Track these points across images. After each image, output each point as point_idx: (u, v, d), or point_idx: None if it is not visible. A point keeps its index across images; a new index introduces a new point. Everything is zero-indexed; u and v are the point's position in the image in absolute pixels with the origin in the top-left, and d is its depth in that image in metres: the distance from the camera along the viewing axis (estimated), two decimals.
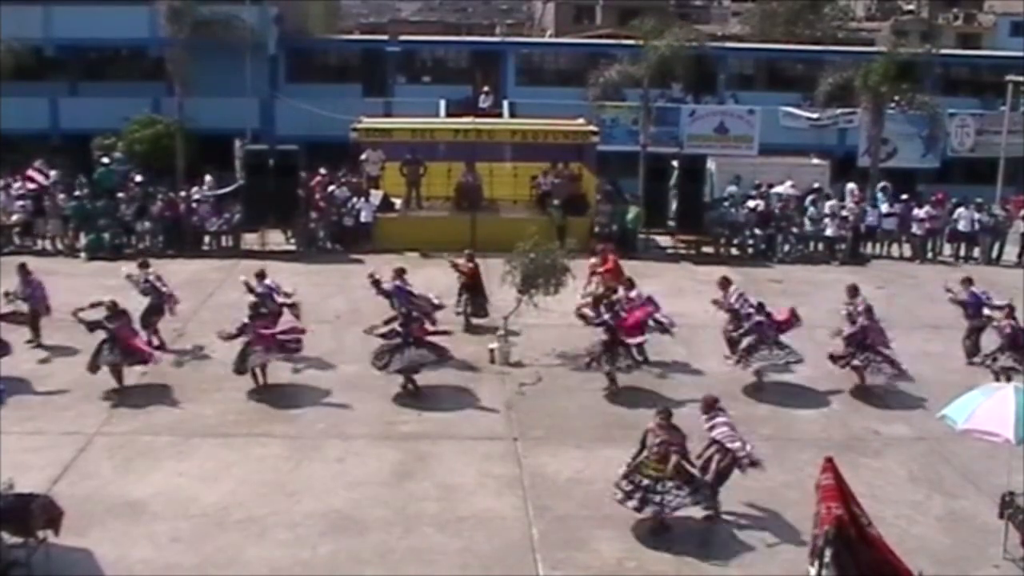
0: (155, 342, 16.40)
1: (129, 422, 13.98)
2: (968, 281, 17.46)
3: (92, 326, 14.88)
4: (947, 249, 26.27)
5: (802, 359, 15.69)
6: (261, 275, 16.63)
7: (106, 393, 14.87)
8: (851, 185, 28.69)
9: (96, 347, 14.88)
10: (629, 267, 20.30)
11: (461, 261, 18.45)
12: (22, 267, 17.09)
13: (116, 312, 14.94)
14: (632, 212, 25.25)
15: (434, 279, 18.66)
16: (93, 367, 14.83)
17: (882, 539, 9.04)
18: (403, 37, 38.97)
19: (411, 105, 32.23)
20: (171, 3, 29.12)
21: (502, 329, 17.13)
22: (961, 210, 26.06)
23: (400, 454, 13.11)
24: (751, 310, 15.87)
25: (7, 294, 16.46)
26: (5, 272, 17.87)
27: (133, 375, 15.37)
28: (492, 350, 16.71)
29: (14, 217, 24.08)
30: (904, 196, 27.21)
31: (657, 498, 10.88)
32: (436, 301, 16.39)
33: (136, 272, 16.84)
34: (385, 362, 15.02)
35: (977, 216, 25.92)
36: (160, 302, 16.74)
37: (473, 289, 18.44)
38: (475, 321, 18.36)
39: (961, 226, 25.86)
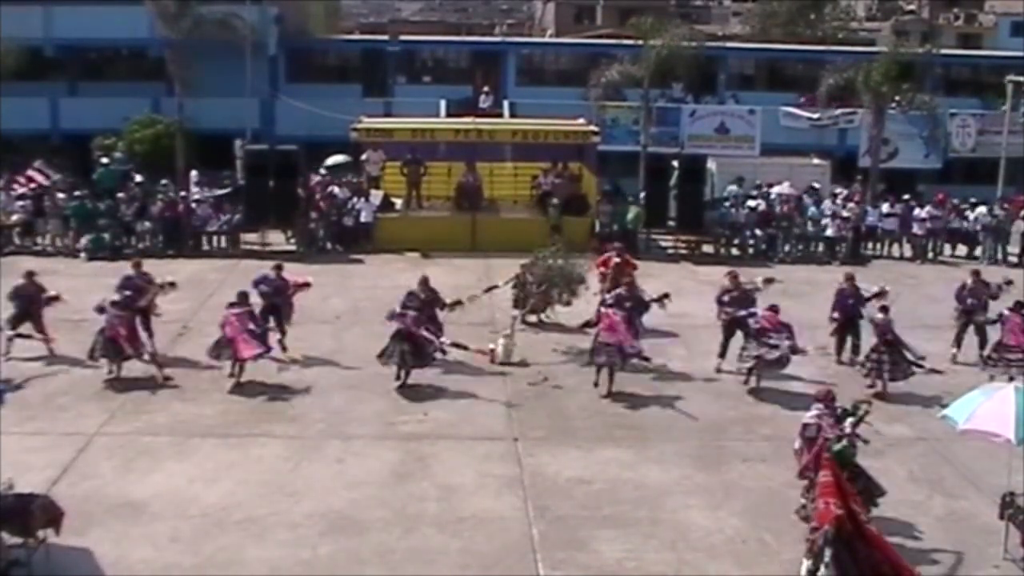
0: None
1: (129, 422, 13.97)
2: None
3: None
4: (947, 249, 26.31)
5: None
6: (279, 267, 16.97)
7: (106, 393, 14.88)
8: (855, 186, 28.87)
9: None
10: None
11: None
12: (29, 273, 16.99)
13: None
14: (632, 212, 25.25)
15: (434, 279, 18.61)
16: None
17: (881, 536, 9.05)
18: (403, 37, 38.94)
19: (411, 105, 32.24)
20: (166, 3, 29.14)
21: (508, 328, 17.14)
22: (981, 208, 26.17)
23: (400, 454, 13.09)
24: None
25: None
26: (5, 272, 17.87)
27: (135, 374, 15.43)
28: (492, 350, 16.71)
29: (14, 217, 24.10)
30: (905, 196, 27.24)
31: None
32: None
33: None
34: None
35: (972, 216, 26.03)
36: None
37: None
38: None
39: (967, 225, 25.95)
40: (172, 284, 16.93)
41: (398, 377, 15.36)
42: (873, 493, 11.05)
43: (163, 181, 26.27)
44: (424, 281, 16.50)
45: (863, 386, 15.79)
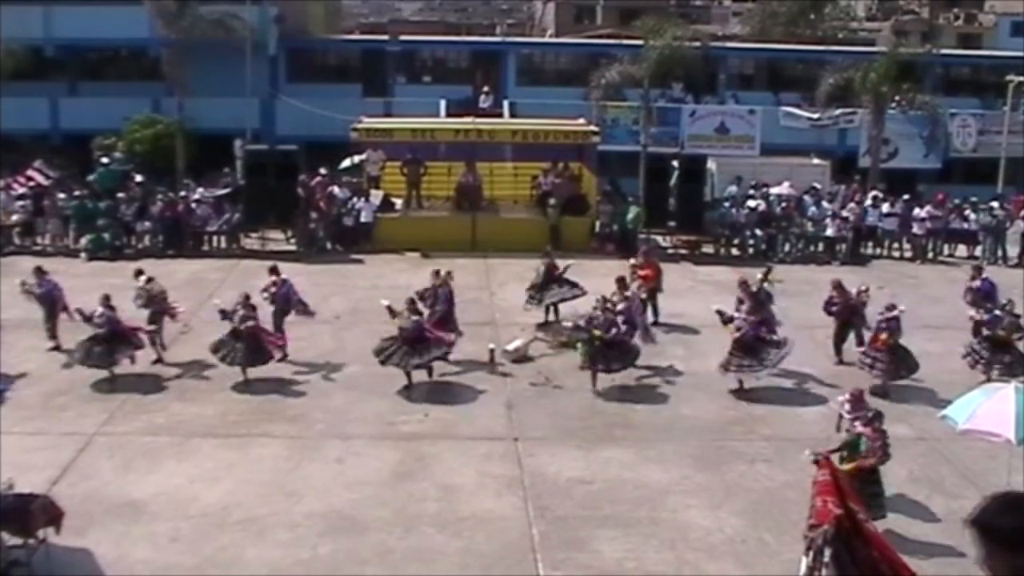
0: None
1: (129, 422, 13.98)
2: None
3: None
4: (947, 249, 26.32)
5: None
6: (274, 270, 16.83)
7: (106, 393, 14.89)
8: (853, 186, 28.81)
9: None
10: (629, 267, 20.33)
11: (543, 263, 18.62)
12: (38, 269, 17.04)
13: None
14: (632, 212, 25.24)
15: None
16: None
17: (880, 535, 9.04)
18: (403, 37, 38.94)
19: (411, 105, 32.25)
20: (166, 3, 29.16)
21: (530, 332, 17.34)
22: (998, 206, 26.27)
23: (400, 454, 13.10)
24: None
25: (23, 283, 16.58)
26: (5, 272, 17.85)
27: (135, 374, 15.48)
28: (492, 350, 16.71)
29: (14, 217, 24.09)
30: (905, 196, 27.24)
31: None
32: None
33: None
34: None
35: (974, 216, 26.03)
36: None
37: (558, 281, 18.57)
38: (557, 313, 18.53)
39: (971, 226, 26.00)
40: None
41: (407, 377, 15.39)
42: (881, 503, 11.13)
43: (185, 181, 26.36)
44: (448, 275, 16.60)
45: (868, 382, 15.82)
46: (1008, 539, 3.60)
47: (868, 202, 26.09)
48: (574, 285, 18.43)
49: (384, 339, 15.36)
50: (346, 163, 28.24)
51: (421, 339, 15.25)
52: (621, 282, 16.63)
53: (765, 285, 16.82)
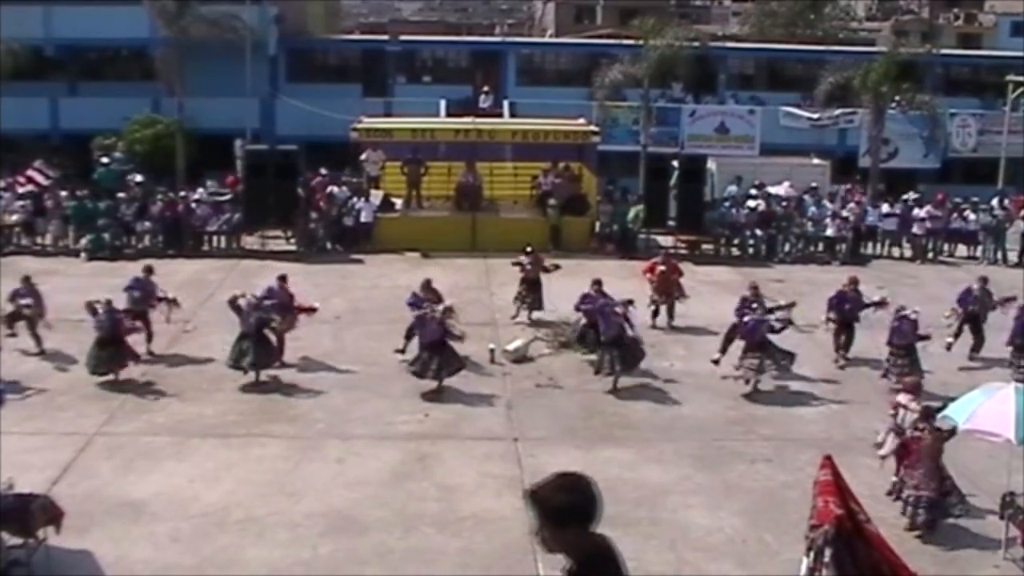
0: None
1: (129, 422, 13.97)
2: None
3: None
4: (947, 249, 26.32)
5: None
6: (283, 278, 16.75)
7: (106, 393, 14.88)
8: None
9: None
10: (629, 267, 20.36)
11: (524, 259, 18.59)
12: (26, 279, 17.03)
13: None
14: (632, 212, 25.23)
15: (435, 279, 18.59)
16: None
17: (880, 536, 9.03)
18: (403, 37, 38.96)
19: (411, 105, 32.26)
20: (166, 3, 29.17)
21: (530, 332, 17.36)
22: (996, 204, 26.28)
23: (400, 454, 13.09)
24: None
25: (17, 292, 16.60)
26: (5, 272, 17.83)
27: (134, 374, 15.49)
28: (492, 350, 16.70)
29: (14, 217, 24.09)
30: (904, 197, 27.23)
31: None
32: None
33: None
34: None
35: (973, 216, 26.04)
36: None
37: (533, 284, 18.58)
38: (534, 315, 18.60)
39: (969, 225, 26.02)
40: (175, 301, 16.86)
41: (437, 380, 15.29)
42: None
43: (206, 183, 26.35)
44: (426, 284, 16.56)
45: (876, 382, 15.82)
46: (558, 515, 3.81)
47: (910, 202, 26.26)
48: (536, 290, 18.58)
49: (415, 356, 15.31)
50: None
51: (444, 343, 15.21)
52: (598, 284, 16.64)
53: (780, 311, 16.51)
